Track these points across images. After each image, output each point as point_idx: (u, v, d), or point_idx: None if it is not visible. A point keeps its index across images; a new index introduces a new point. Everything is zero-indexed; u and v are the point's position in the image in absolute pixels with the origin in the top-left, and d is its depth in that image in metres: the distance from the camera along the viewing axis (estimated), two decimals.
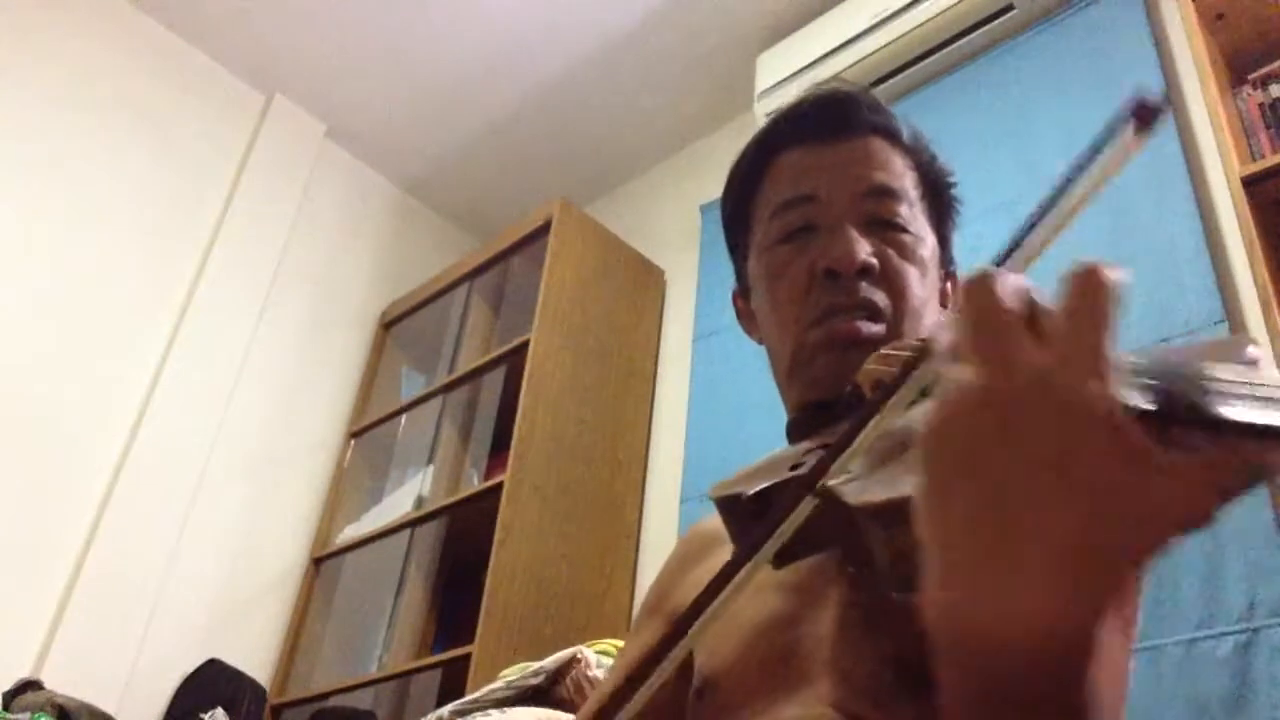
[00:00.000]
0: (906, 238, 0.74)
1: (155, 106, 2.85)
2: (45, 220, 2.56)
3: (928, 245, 0.76)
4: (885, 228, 0.74)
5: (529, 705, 1.35)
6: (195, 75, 2.98)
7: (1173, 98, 1.96)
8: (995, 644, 0.34)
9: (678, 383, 2.67)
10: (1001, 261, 0.40)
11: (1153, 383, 0.36)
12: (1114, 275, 0.35)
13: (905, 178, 0.77)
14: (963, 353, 0.36)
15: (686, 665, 0.72)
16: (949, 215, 0.82)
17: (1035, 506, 0.33)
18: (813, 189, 0.76)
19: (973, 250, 0.76)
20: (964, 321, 0.36)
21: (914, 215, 0.76)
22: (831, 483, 0.44)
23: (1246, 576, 1.47)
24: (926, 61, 2.37)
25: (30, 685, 2.00)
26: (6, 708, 1.91)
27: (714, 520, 0.86)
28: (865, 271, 0.71)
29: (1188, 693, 1.44)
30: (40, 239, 2.54)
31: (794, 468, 0.56)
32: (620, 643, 1.36)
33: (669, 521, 2.46)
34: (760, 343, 0.82)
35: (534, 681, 1.37)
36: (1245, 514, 1.49)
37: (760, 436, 0.71)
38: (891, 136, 0.79)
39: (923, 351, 0.40)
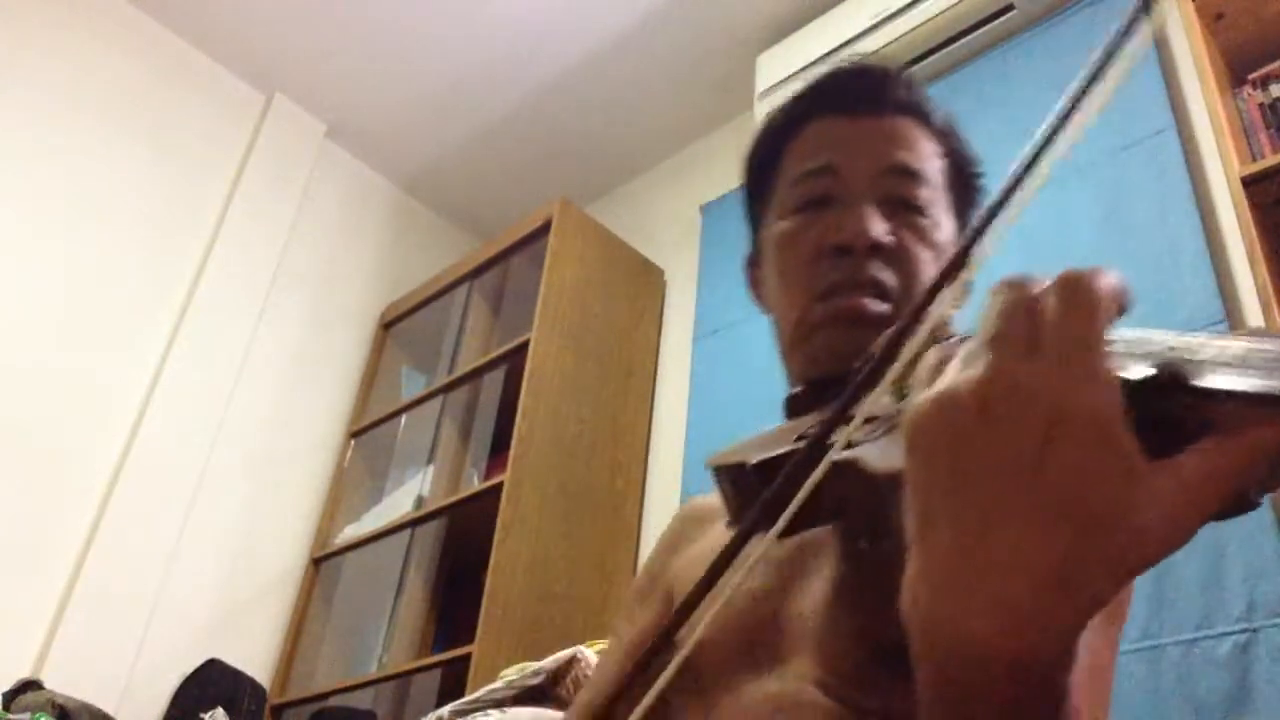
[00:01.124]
0: (924, 221, 0.72)
1: (155, 106, 2.85)
2: (45, 220, 2.56)
3: (945, 231, 0.74)
4: (903, 208, 0.72)
5: (529, 705, 1.35)
6: (195, 75, 2.98)
7: (1173, 98, 1.96)
8: (971, 651, 0.33)
9: (678, 383, 2.66)
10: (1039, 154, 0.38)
11: (1150, 354, 0.34)
12: (1109, 280, 0.34)
13: (931, 161, 0.75)
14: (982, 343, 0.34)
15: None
16: (972, 205, 0.80)
17: (1019, 520, 0.32)
18: (833, 161, 0.74)
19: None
20: (989, 316, 0.35)
21: (934, 199, 0.74)
22: (850, 452, 0.41)
23: (1246, 576, 1.47)
24: (926, 61, 2.37)
25: (30, 685, 2.00)
26: (6, 708, 1.91)
27: (704, 500, 0.85)
28: (877, 250, 0.69)
29: (1188, 693, 1.44)
30: (40, 239, 2.53)
31: (799, 439, 0.52)
32: None
33: (669, 522, 2.46)
34: (766, 312, 0.80)
35: (534, 681, 1.37)
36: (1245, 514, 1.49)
37: None
38: (922, 118, 0.77)
39: (917, 317, 0.38)
